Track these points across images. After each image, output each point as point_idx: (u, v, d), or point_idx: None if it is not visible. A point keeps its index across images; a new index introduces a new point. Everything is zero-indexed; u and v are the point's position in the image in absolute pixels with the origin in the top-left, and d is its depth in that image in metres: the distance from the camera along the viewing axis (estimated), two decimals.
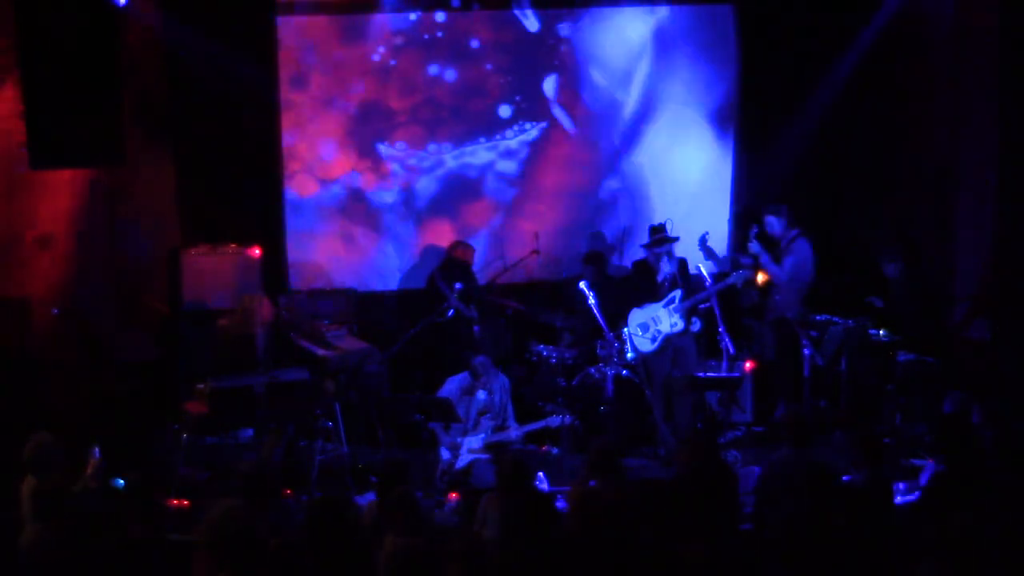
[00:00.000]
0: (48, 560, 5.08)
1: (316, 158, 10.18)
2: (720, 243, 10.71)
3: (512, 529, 5.63)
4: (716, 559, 4.97)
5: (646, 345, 8.98)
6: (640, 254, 9.54)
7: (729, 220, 10.78)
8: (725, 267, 10.01)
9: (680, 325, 8.93)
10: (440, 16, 10.18)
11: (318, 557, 4.89)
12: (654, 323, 8.97)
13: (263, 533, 4.89)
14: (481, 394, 8.48)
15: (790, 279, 9.27)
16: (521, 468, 6.02)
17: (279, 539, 4.97)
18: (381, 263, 10.41)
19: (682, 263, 9.10)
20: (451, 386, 8.56)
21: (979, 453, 6.25)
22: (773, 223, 9.46)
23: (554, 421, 8.40)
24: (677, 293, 8.95)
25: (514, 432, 8.48)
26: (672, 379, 8.98)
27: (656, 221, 9.35)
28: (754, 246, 9.28)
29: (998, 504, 5.57)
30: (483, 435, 8.40)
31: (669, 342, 8.96)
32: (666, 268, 9.02)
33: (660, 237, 9.05)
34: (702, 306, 8.98)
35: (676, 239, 9.06)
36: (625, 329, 9.14)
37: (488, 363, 8.47)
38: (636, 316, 9.04)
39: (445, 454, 8.28)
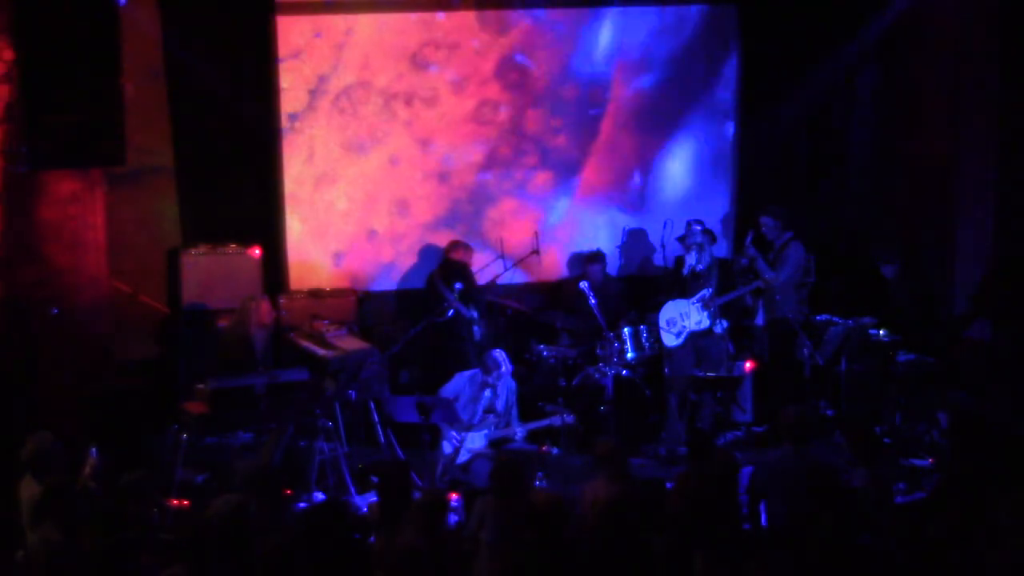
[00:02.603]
0: (51, 560, 5.07)
1: (316, 158, 10.17)
2: (720, 244, 10.71)
3: (509, 532, 5.62)
4: (718, 561, 4.96)
5: (671, 339, 9.02)
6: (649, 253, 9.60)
7: (729, 221, 10.77)
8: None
9: (705, 323, 8.95)
10: (440, 16, 10.18)
11: (314, 561, 4.89)
12: (681, 318, 9.00)
13: (261, 529, 4.90)
14: (487, 392, 8.49)
15: (784, 281, 9.28)
16: (516, 470, 6.00)
17: (275, 540, 4.97)
18: (381, 263, 10.40)
19: (721, 262, 9.13)
20: (461, 381, 8.56)
21: (986, 452, 6.26)
22: (768, 224, 9.46)
23: (557, 421, 8.40)
24: (707, 291, 8.97)
25: (517, 430, 8.48)
26: (675, 379, 8.98)
27: (656, 222, 9.39)
28: (750, 250, 9.28)
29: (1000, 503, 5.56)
30: (486, 432, 8.40)
31: (693, 339, 8.98)
32: (691, 262, 9.06)
33: (686, 232, 9.12)
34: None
35: (707, 231, 9.08)
36: (626, 329, 9.14)
37: (499, 359, 8.46)
38: (667, 309, 9.09)
39: (447, 447, 8.28)
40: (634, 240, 10.64)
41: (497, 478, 5.98)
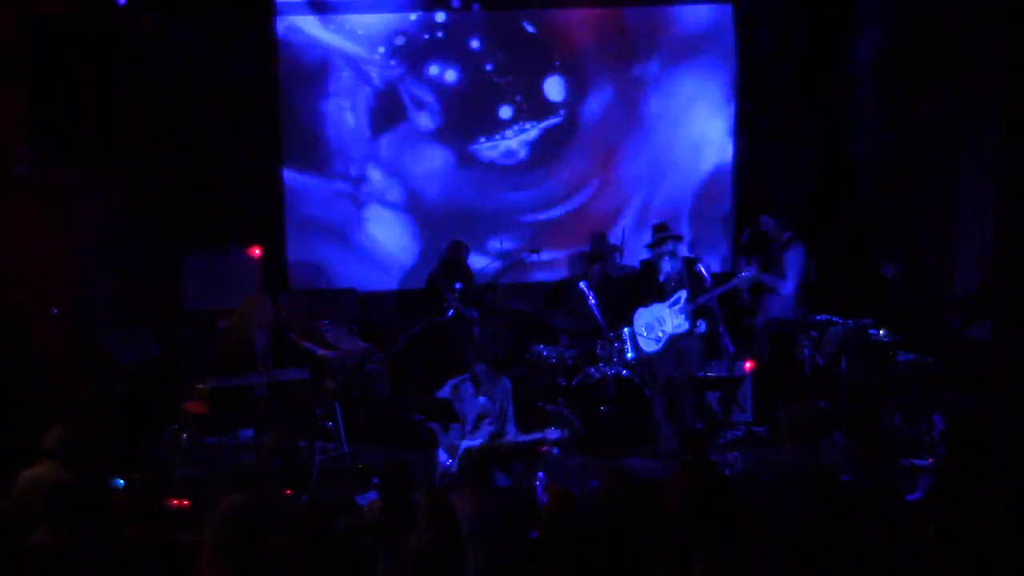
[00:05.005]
0: (57, 559, 5.07)
1: (316, 158, 10.18)
2: (720, 244, 10.74)
3: (482, 523, 5.65)
4: (719, 561, 4.94)
5: (651, 345, 8.96)
6: (647, 254, 9.54)
7: (729, 221, 10.78)
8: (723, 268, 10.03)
9: (684, 326, 8.89)
10: (440, 16, 10.19)
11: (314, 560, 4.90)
12: (659, 323, 8.95)
13: (266, 528, 4.90)
14: (482, 399, 8.47)
15: (796, 287, 9.26)
16: (482, 463, 6.05)
17: (279, 538, 4.98)
18: (381, 263, 10.41)
19: (689, 262, 9.09)
20: (448, 388, 8.55)
21: (982, 453, 6.25)
22: (768, 224, 9.45)
23: (552, 434, 8.37)
24: (682, 293, 8.92)
25: (511, 439, 8.47)
26: (672, 379, 8.96)
27: (656, 221, 9.37)
28: (753, 268, 9.20)
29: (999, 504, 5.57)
30: (481, 439, 8.38)
31: (673, 343, 8.94)
32: (667, 268, 9.00)
33: (660, 236, 9.03)
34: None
35: (678, 238, 9.04)
36: (626, 329, 9.13)
37: (490, 371, 8.45)
38: (642, 316, 9.02)
39: (443, 455, 8.28)
40: (633, 240, 10.64)
41: (464, 470, 6.06)
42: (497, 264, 10.20)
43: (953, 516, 5.46)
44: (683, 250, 9.20)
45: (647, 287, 9.17)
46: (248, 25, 9.70)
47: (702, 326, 8.94)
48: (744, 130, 10.74)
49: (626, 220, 10.70)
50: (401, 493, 5.90)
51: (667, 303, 8.96)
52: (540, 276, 10.55)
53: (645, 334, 8.96)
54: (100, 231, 9.12)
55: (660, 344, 8.95)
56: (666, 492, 5.85)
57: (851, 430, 8.69)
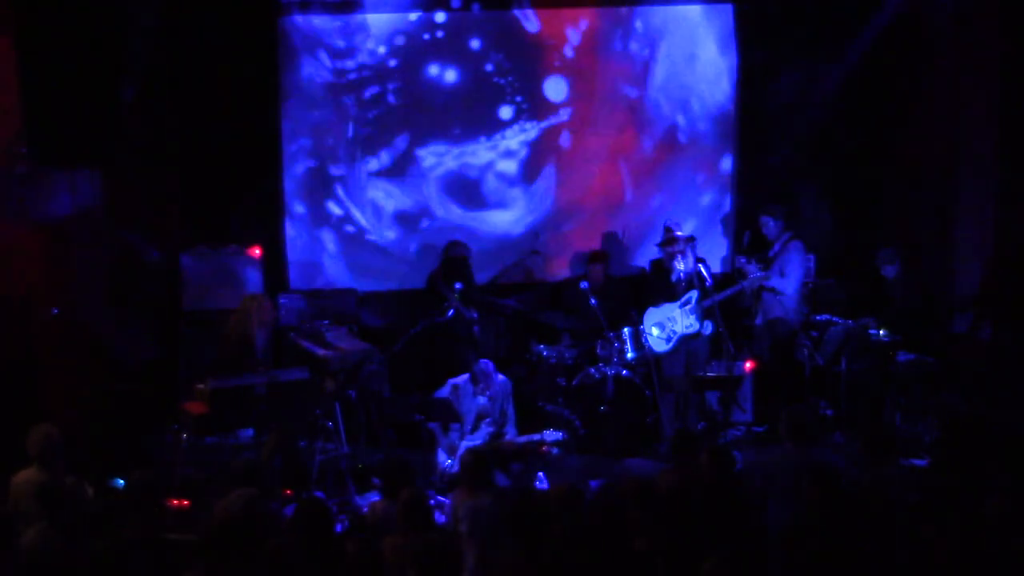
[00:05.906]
0: (50, 559, 5.07)
1: (316, 158, 10.17)
2: (720, 244, 10.73)
3: (481, 525, 5.66)
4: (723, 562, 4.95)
5: (661, 345, 8.96)
6: (656, 253, 9.56)
7: (729, 221, 10.78)
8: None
9: (695, 326, 8.90)
10: (440, 16, 10.18)
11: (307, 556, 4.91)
12: (670, 323, 8.95)
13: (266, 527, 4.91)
14: (482, 399, 8.47)
15: (796, 288, 9.27)
16: (483, 462, 6.06)
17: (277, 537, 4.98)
18: (381, 263, 10.40)
19: (699, 263, 9.10)
20: (448, 388, 8.56)
21: (981, 453, 6.27)
22: (768, 224, 9.46)
23: (550, 436, 8.38)
24: (693, 294, 8.92)
25: (510, 440, 8.47)
26: (674, 379, 8.98)
27: (657, 223, 9.38)
28: (754, 271, 9.20)
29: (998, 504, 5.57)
30: (480, 439, 8.39)
31: (683, 343, 8.95)
32: (679, 268, 9.00)
33: (672, 236, 9.03)
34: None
35: (690, 238, 9.05)
36: (626, 329, 9.13)
37: (490, 368, 8.45)
38: (652, 315, 9.02)
39: (442, 456, 8.28)
40: (633, 241, 10.64)
41: (465, 470, 6.05)
42: (499, 264, 10.18)
43: (951, 516, 5.47)
44: (691, 251, 9.20)
45: (657, 286, 9.18)
46: (249, 24, 9.68)
47: (710, 326, 8.96)
48: (744, 129, 10.73)
49: (627, 220, 10.70)
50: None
51: (678, 303, 8.96)
52: (540, 276, 10.54)
53: (655, 334, 8.97)
54: (99, 231, 9.11)
55: (670, 344, 8.96)
56: (657, 488, 5.85)
57: (852, 430, 8.69)
